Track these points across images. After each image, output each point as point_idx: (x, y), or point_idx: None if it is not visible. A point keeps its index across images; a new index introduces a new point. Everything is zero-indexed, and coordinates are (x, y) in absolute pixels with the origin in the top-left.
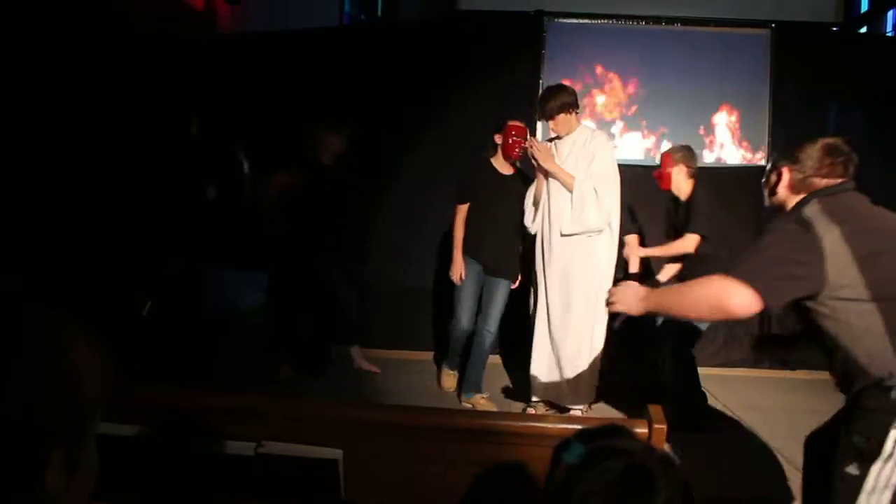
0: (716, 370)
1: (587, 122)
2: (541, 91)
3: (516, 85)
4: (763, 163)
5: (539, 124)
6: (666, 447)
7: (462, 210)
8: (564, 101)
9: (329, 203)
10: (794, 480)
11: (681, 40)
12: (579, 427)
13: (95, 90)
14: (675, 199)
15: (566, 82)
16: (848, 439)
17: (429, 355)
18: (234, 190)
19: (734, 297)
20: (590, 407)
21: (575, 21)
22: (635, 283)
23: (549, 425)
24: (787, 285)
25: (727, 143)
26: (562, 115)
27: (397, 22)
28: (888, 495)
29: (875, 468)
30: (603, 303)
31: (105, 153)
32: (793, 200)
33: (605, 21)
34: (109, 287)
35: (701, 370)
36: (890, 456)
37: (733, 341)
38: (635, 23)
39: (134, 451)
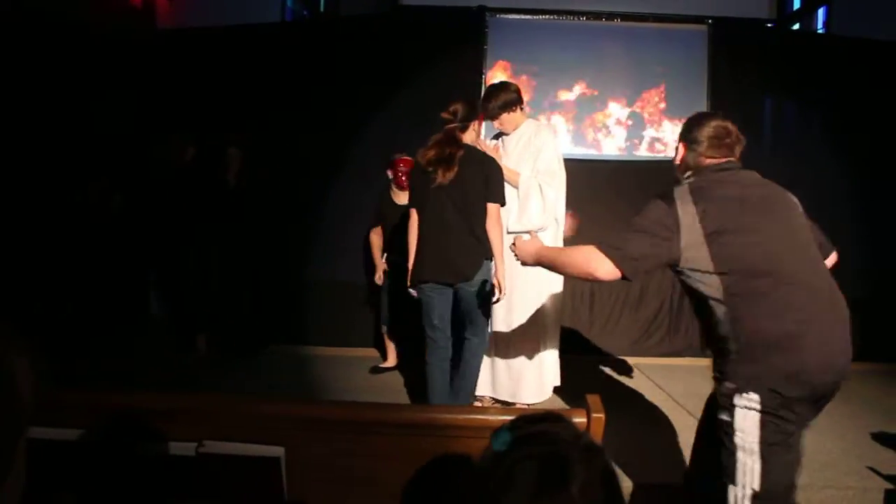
0: (661, 360)
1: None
2: (483, 86)
3: (458, 80)
4: None
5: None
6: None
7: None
8: (507, 100)
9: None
10: None
11: (621, 35)
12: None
13: (24, 87)
14: None
15: (508, 78)
16: (716, 392)
17: (367, 352)
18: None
19: (598, 266)
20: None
21: (516, 16)
22: (538, 239)
23: (491, 417)
24: (642, 260)
25: (666, 137)
26: (505, 114)
27: (339, 17)
28: (757, 433)
29: (737, 413)
30: (549, 299)
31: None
32: (686, 172)
33: (547, 17)
34: (29, 290)
35: (647, 360)
36: (745, 406)
37: (676, 332)
38: (576, 18)
39: (74, 455)
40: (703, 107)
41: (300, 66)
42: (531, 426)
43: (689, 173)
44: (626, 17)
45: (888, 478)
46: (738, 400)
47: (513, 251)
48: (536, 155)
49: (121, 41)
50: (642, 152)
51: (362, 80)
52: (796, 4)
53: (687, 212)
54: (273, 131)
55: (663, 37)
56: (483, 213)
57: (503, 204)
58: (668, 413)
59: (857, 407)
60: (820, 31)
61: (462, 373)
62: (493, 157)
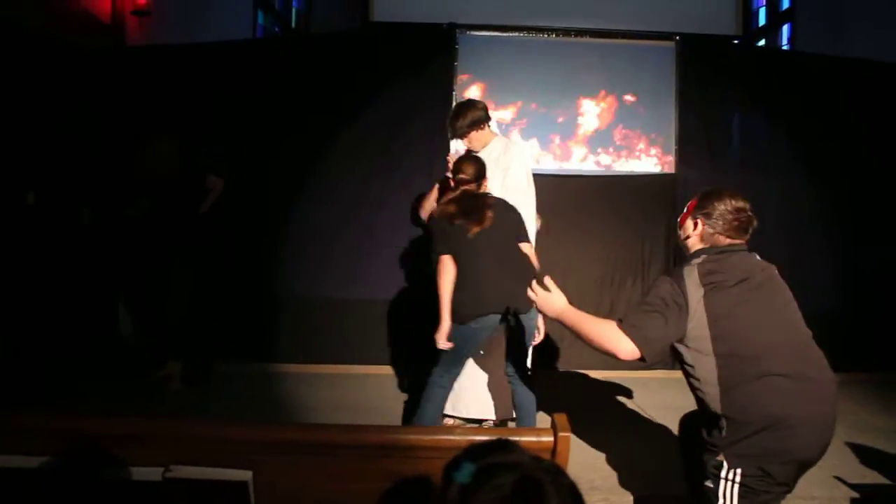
0: (633, 373)
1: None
2: (453, 103)
3: (428, 97)
4: (671, 170)
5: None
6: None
7: None
8: (475, 118)
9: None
10: None
11: (591, 52)
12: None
13: None
14: None
15: (477, 96)
16: (706, 460)
17: (337, 368)
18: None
19: (620, 346)
20: (504, 420)
21: (487, 34)
22: (562, 296)
23: (456, 438)
24: (658, 342)
25: (636, 152)
26: (474, 132)
27: (310, 34)
28: (737, 501)
29: (721, 485)
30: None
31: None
32: (696, 247)
33: (517, 34)
34: None
35: (621, 373)
36: (728, 478)
37: None
38: (546, 35)
39: (38, 483)
40: (672, 121)
41: (272, 82)
42: (491, 456)
43: (698, 248)
44: (595, 33)
45: (854, 487)
46: (723, 473)
47: (533, 299)
48: (505, 172)
49: (89, 57)
50: (614, 167)
51: (333, 96)
52: (762, 21)
53: (694, 292)
54: (244, 148)
55: (633, 53)
56: (520, 254)
57: (531, 242)
58: (641, 426)
59: None
60: (785, 48)
61: (521, 403)
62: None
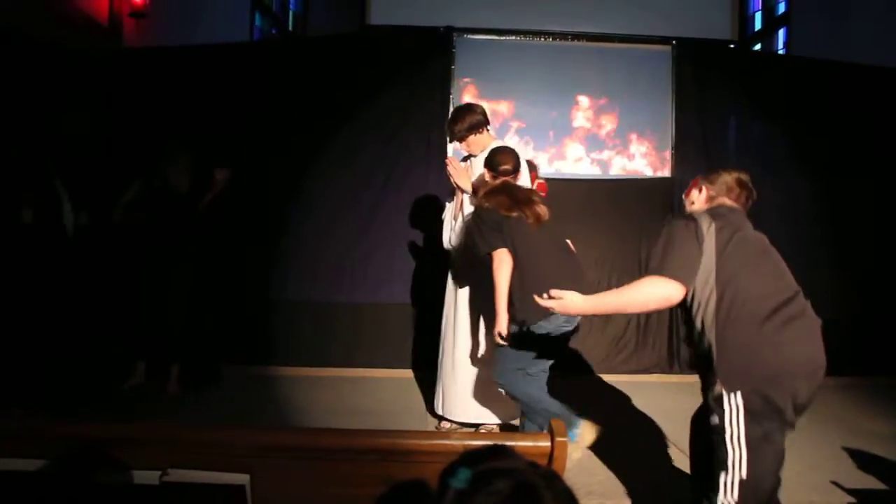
0: (630, 377)
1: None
2: (450, 107)
3: (425, 100)
4: (668, 174)
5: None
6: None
7: None
8: (472, 122)
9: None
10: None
11: (588, 56)
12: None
13: None
14: None
15: (475, 99)
16: (707, 400)
17: (334, 371)
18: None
19: (669, 291)
20: (501, 424)
21: (484, 37)
22: (574, 294)
23: (454, 442)
24: (693, 266)
25: (634, 156)
26: (472, 136)
27: (308, 37)
28: (743, 428)
29: (725, 413)
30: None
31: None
32: (702, 209)
33: (514, 37)
34: None
35: (615, 377)
36: (731, 406)
37: (644, 348)
38: (543, 39)
39: (34, 486)
40: (668, 125)
41: (268, 85)
42: (488, 461)
43: (706, 206)
44: (592, 37)
45: (851, 492)
46: (726, 402)
47: (551, 305)
48: None
49: (86, 59)
50: (610, 171)
51: (330, 99)
52: (758, 26)
53: (707, 228)
54: (240, 150)
55: (629, 57)
56: (572, 251)
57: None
58: (638, 430)
59: (819, 422)
60: (780, 52)
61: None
62: (465, 175)
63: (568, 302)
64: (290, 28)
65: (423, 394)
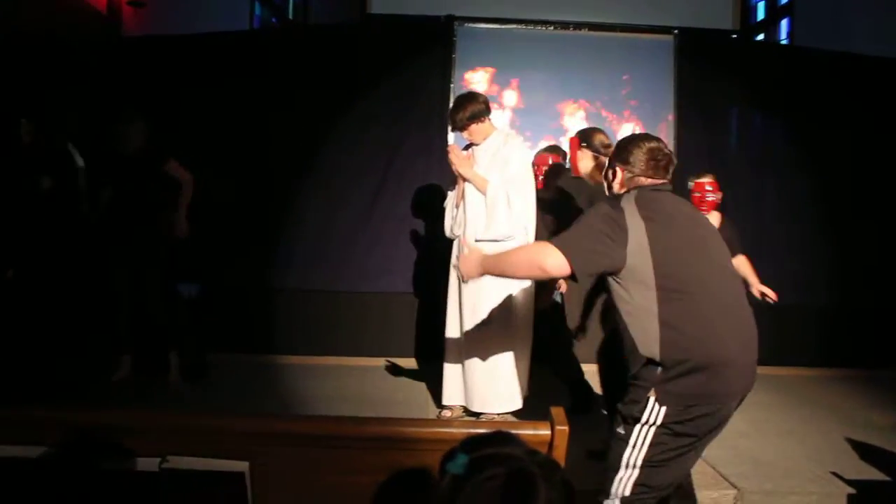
0: None
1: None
2: (451, 96)
3: (426, 89)
4: None
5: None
6: None
7: None
8: (475, 111)
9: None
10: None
11: (589, 45)
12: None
13: None
14: None
15: (476, 88)
16: (621, 407)
17: (338, 360)
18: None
19: (549, 259)
20: (506, 412)
21: (485, 26)
22: (478, 250)
23: (455, 430)
24: (594, 257)
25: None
26: (474, 125)
27: (308, 26)
28: (646, 451)
29: (636, 429)
30: (520, 307)
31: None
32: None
33: (515, 26)
34: None
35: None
36: (647, 421)
37: None
38: (544, 28)
39: (34, 472)
40: (669, 116)
41: (269, 74)
42: (486, 447)
43: (626, 190)
44: (593, 27)
45: (850, 483)
46: (646, 414)
47: (455, 271)
48: (505, 164)
49: (85, 48)
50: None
51: (330, 88)
52: (760, 15)
53: (634, 217)
54: (240, 139)
55: (630, 47)
56: None
57: None
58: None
59: (819, 413)
60: (783, 42)
61: None
62: (467, 163)
63: (469, 259)
64: (291, 17)
65: (426, 383)
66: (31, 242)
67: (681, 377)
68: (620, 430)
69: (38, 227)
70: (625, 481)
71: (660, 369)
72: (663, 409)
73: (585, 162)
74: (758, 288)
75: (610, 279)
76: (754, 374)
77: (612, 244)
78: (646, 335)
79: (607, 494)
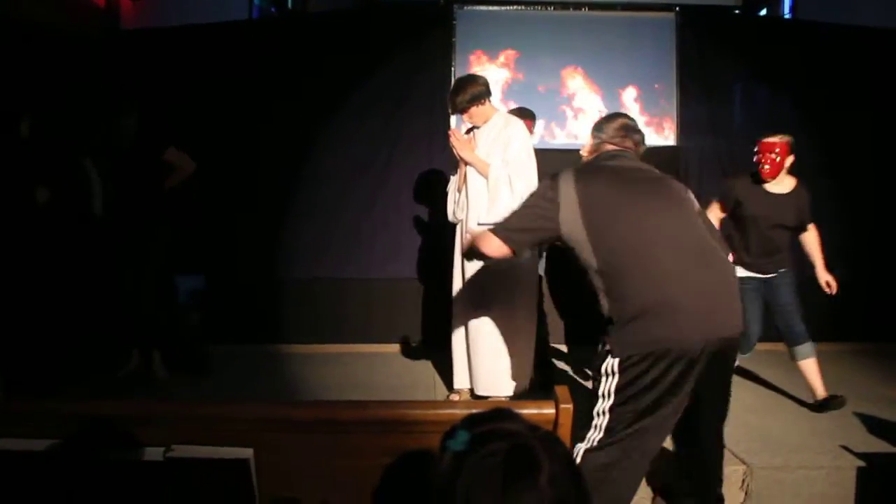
0: None
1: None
2: (452, 80)
3: (427, 74)
4: (673, 143)
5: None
6: None
7: None
8: (475, 93)
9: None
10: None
11: (590, 24)
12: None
13: None
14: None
15: (477, 70)
16: (596, 354)
17: (342, 347)
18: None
19: (488, 244)
20: (514, 394)
21: (484, 8)
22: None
23: (458, 411)
24: (524, 234)
25: (638, 124)
26: (474, 108)
27: (307, 14)
28: (612, 400)
29: (601, 381)
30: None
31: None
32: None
33: (515, 7)
34: None
35: None
36: (606, 372)
37: None
38: (544, 9)
39: (39, 465)
40: (673, 94)
41: (268, 64)
42: (487, 424)
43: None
44: (594, 6)
45: (860, 456)
46: (605, 364)
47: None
48: (506, 146)
49: (83, 41)
50: None
51: (331, 76)
52: None
53: (567, 187)
54: (241, 129)
55: (632, 25)
56: None
57: None
58: None
59: (829, 387)
60: (786, 17)
61: None
62: (468, 147)
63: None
64: (290, 6)
65: (433, 368)
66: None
67: (625, 325)
68: (592, 385)
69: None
70: (597, 430)
71: (612, 323)
72: (616, 360)
73: None
74: (822, 274)
75: (564, 239)
76: (723, 321)
77: (542, 214)
78: (598, 292)
79: (581, 439)
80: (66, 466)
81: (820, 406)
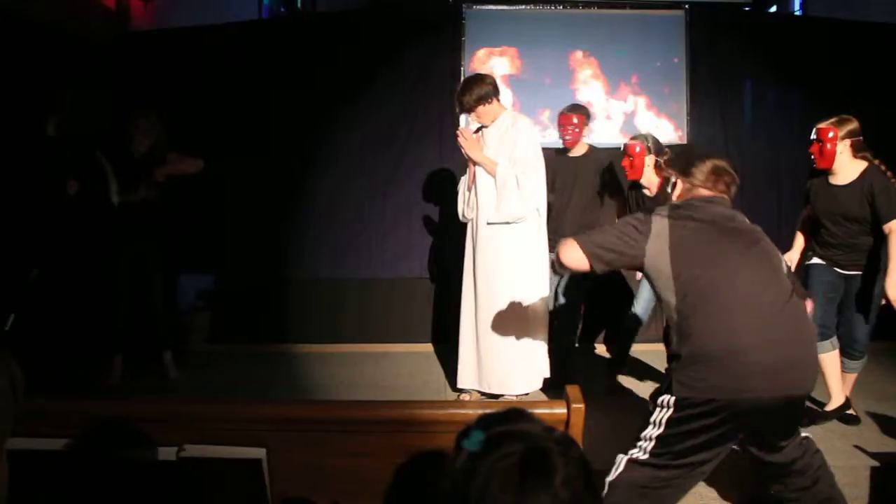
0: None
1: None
2: (461, 79)
3: (437, 73)
4: (682, 140)
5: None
6: None
7: None
8: (481, 93)
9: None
10: None
11: (599, 23)
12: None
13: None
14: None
15: (486, 69)
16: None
17: (352, 347)
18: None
19: (569, 254)
20: (526, 393)
21: (494, 7)
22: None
23: (469, 411)
24: (607, 253)
25: (647, 123)
26: (481, 107)
27: (317, 14)
28: (661, 430)
29: (656, 411)
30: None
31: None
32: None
33: (524, 6)
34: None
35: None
36: (661, 404)
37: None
38: (553, 7)
39: (54, 464)
40: (682, 92)
41: (278, 64)
42: (502, 425)
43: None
44: (603, 4)
45: (874, 455)
46: (662, 397)
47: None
48: (513, 145)
49: (95, 43)
50: (622, 139)
51: (341, 76)
52: None
53: (660, 223)
54: (250, 130)
55: (641, 23)
56: None
57: None
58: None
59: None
60: (797, 14)
61: None
62: (476, 146)
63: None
64: (299, 6)
65: (442, 367)
66: (56, 242)
67: (690, 366)
68: (650, 409)
69: (64, 226)
70: (642, 451)
71: (677, 359)
72: (673, 397)
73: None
74: (892, 290)
75: (646, 270)
76: (795, 379)
77: (629, 241)
78: (671, 327)
79: (625, 452)
80: (81, 466)
81: (828, 414)
